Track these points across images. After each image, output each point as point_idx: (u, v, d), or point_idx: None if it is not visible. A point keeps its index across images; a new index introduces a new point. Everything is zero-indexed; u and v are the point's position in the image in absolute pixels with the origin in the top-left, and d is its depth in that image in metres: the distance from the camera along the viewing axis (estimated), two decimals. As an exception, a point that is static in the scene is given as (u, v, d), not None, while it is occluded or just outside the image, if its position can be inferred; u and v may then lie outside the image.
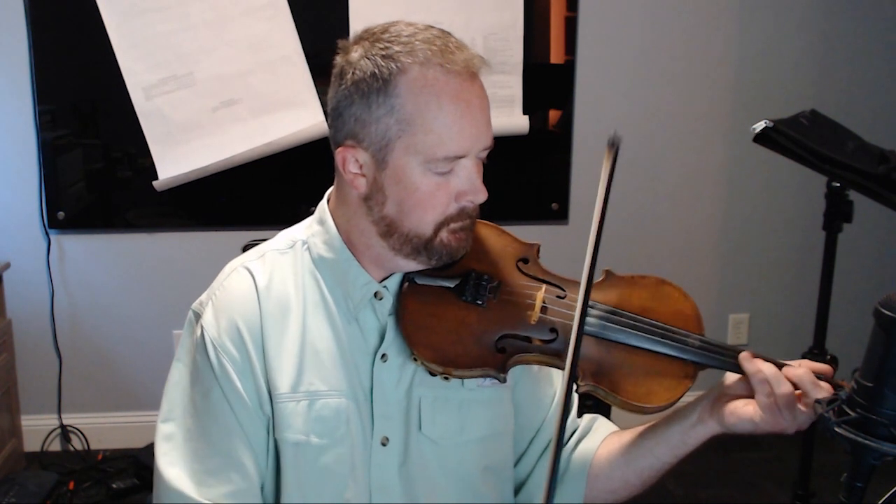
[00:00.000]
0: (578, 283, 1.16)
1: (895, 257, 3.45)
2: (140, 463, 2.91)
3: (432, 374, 1.13)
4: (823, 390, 1.04)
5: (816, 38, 3.25)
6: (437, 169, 1.08)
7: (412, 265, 1.15)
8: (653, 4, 3.14)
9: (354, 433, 1.14)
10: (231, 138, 2.96)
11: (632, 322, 1.14)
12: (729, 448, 3.05)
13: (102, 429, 3.19)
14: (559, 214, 3.23)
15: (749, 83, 3.24)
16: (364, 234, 1.14)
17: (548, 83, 3.13)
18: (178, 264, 3.10)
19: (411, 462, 1.16)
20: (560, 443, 0.91)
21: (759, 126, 1.94)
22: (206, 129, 2.95)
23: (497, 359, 1.12)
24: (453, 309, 1.14)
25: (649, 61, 3.18)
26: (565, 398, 0.96)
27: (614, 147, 1.05)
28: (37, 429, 3.17)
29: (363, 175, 1.11)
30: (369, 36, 1.11)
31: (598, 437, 1.26)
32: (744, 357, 1.09)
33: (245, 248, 1.57)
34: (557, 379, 1.29)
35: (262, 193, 3.06)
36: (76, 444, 3.18)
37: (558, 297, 1.16)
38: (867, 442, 0.82)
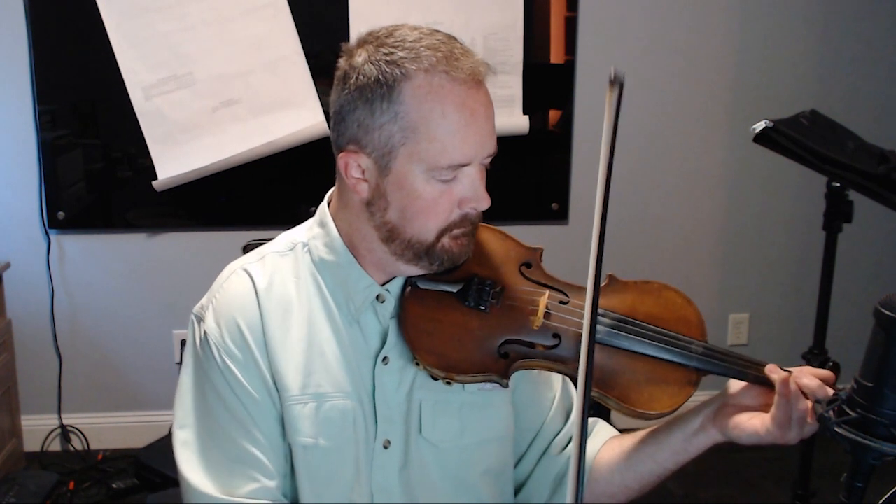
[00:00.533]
0: (581, 288, 1.16)
1: (895, 257, 3.45)
2: (140, 463, 2.90)
3: (434, 378, 1.13)
4: (826, 391, 1.04)
5: (816, 38, 3.25)
6: (440, 177, 1.07)
7: (414, 270, 1.14)
8: (653, 4, 3.15)
9: (359, 435, 1.14)
10: (231, 138, 2.96)
11: (636, 329, 1.14)
12: (729, 448, 3.04)
13: (102, 429, 3.19)
14: (559, 214, 3.23)
15: (749, 83, 3.24)
16: (366, 238, 1.14)
17: (548, 83, 3.13)
18: (178, 264, 3.10)
19: (411, 465, 1.16)
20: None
21: (759, 126, 1.94)
22: (206, 129, 2.95)
23: (500, 364, 1.12)
24: (456, 314, 1.14)
25: (649, 61, 3.18)
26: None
27: (618, 84, 0.98)
28: (37, 429, 3.17)
29: (365, 180, 1.11)
30: (374, 39, 1.10)
31: (599, 441, 1.26)
32: (770, 370, 1.08)
33: (245, 249, 1.58)
34: (557, 382, 1.29)
35: (262, 194, 3.06)
36: (76, 444, 3.18)
37: (561, 302, 1.16)
38: (867, 442, 0.82)
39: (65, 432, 3.18)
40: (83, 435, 3.17)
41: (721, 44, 3.21)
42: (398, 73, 1.05)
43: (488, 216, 1.19)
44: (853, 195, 2.01)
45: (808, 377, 1.05)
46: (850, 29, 3.25)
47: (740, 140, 2.95)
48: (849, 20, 3.24)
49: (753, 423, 1.08)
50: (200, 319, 1.17)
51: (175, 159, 2.95)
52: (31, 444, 3.16)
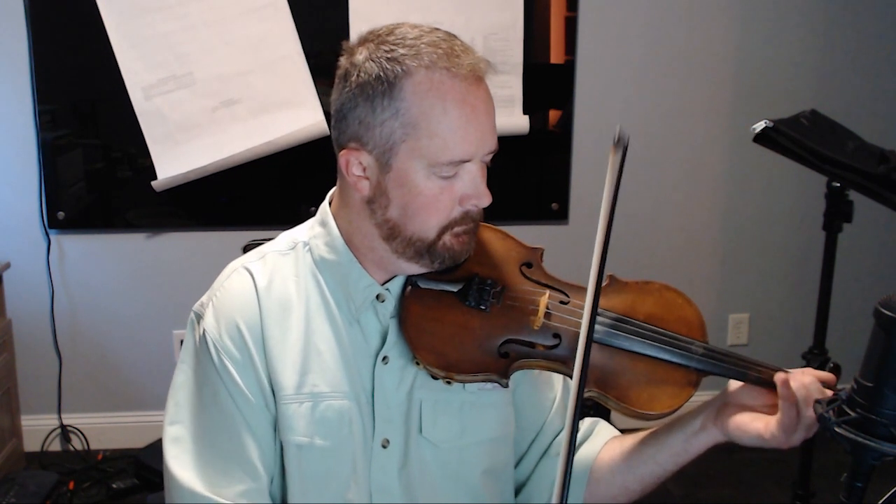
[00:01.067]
0: (582, 288, 1.16)
1: (895, 257, 3.45)
2: (140, 463, 2.91)
3: (434, 378, 1.13)
4: (824, 394, 1.04)
5: (816, 38, 3.25)
6: (441, 173, 1.07)
7: (415, 268, 1.14)
8: (653, 4, 3.14)
9: (356, 435, 1.14)
10: (230, 138, 2.96)
11: (637, 329, 1.14)
12: (729, 448, 3.04)
13: (102, 429, 3.19)
14: (559, 214, 3.23)
15: (749, 83, 3.24)
16: (367, 236, 1.14)
17: (548, 83, 3.13)
18: (178, 264, 3.10)
19: (411, 464, 1.16)
20: (571, 450, 0.89)
21: (759, 126, 1.94)
22: (206, 128, 2.95)
23: (500, 364, 1.12)
24: (456, 313, 1.14)
25: (649, 61, 3.18)
26: (575, 408, 0.94)
27: (622, 146, 1.00)
28: (37, 429, 3.17)
29: (367, 178, 1.11)
30: (374, 38, 1.10)
31: (600, 442, 1.26)
32: (779, 379, 1.07)
33: (245, 249, 1.57)
34: (558, 382, 1.29)
35: (262, 194, 3.06)
36: (76, 444, 3.18)
37: (562, 302, 1.16)
38: (867, 442, 0.82)
39: (65, 432, 3.18)
40: (83, 435, 3.17)
41: (721, 44, 3.21)
42: (399, 69, 1.05)
43: (488, 216, 1.19)
44: (853, 195, 2.01)
45: (808, 376, 1.06)
46: (850, 29, 3.25)
47: (740, 140, 2.95)
48: (849, 20, 3.24)
49: (756, 426, 1.08)
50: (200, 317, 1.17)
51: (175, 159, 2.95)
52: (31, 444, 3.16)
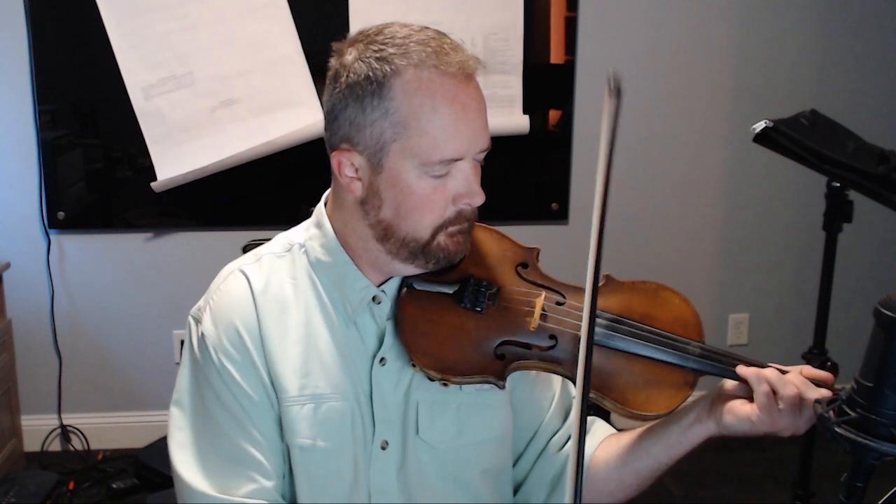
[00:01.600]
0: (578, 289, 1.15)
1: (895, 257, 3.45)
2: (140, 463, 2.90)
3: (431, 379, 1.12)
4: (818, 392, 1.04)
5: (816, 38, 3.25)
6: (433, 172, 1.07)
7: (410, 269, 1.14)
8: (653, 4, 3.15)
9: (357, 436, 1.14)
10: (230, 138, 2.96)
11: (633, 330, 1.14)
12: (729, 448, 3.05)
13: (102, 429, 3.19)
14: (559, 214, 3.23)
15: (749, 83, 3.24)
16: (361, 237, 1.14)
17: (548, 83, 3.13)
18: (178, 264, 3.10)
19: (409, 466, 1.16)
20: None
21: (759, 126, 1.94)
22: (205, 128, 2.95)
23: (496, 365, 1.12)
24: (452, 315, 1.14)
25: (649, 61, 3.18)
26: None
27: (616, 89, 0.89)
28: (37, 429, 3.17)
29: (359, 179, 1.10)
30: (363, 38, 1.10)
31: (596, 440, 1.26)
32: (740, 368, 1.09)
33: (245, 249, 1.57)
34: (556, 382, 1.28)
35: (262, 194, 3.06)
36: (76, 444, 3.18)
37: (558, 303, 1.15)
38: (867, 442, 0.82)
39: (65, 432, 3.18)
40: (83, 435, 3.17)
41: (721, 44, 3.21)
42: (388, 69, 1.05)
43: (487, 216, 1.19)
44: (853, 195, 2.01)
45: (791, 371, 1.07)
46: (850, 29, 3.25)
47: (740, 140, 2.95)
48: (849, 20, 3.24)
49: (745, 409, 1.08)
50: (198, 321, 1.17)
51: (175, 159, 2.95)
52: (31, 444, 3.16)
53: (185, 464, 1.12)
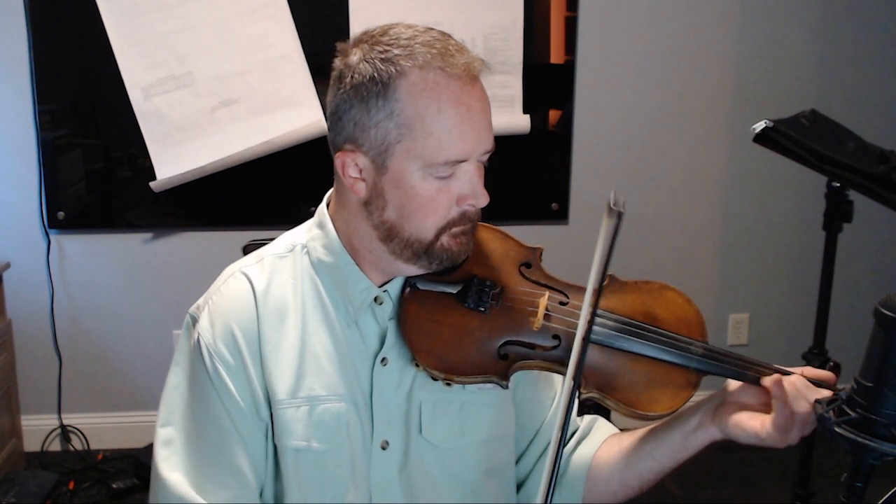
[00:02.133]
0: (581, 289, 1.15)
1: (895, 257, 3.45)
2: (140, 463, 2.91)
3: (434, 379, 1.12)
4: (819, 393, 1.04)
5: (816, 38, 3.25)
6: (437, 173, 1.07)
7: (413, 269, 1.14)
8: (653, 4, 3.14)
9: (354, 437, 1.13)
10: (230, 138, 2.96)
11: (636, 330, 1.14)
12: (729, 448, 3.04)
13: (102, 429, 3.19)
14: (559, 214, 3.23)
15: (749, 83, 3.24)
16: (364, 238, 1.13)
17: (548, 83, 3.13)
18: (178, 264, 3.10)
19: (411, 465, 1.16)
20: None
21: (759, 126, 1.94)
22: (205, 128, 2.95)
23: (499, 365, 1.12)
24: (455, 315, 1.14)
25: (649, 61, 3.18)
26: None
27: (616, 213, 0.95)
28: (37, 429, 3.17)
29: (363, 179, 1.10)
30: (368, 38, 1.09)
31: (598, 439, 1.26)
32: (771, 380, 1.07)
33: (245, 249, 1.57)
34: (558, 381, 1.28)
35: (262, 194, 3.06)
36: (76, 444, 3.18)
37: (561, 303, 1.15)
38: (867, 442, 0.82)
39: (65, 432, 3.18)
40: (83, 435, 3.17)
41: (721, 44, 3.21)
42: (393, 70, 1.05)
43: (488, 216, 1.19)
44: (853, 195, 2.00)
45: (798, 377, 1.06)
46: (850, 29, 3.25)
47: (740, 140, 2.95)
48: (849, 20, 3.24)
49: (753, 424, 1.08)
50: (196, 320, 1.17)
51: (174, 159, 2.95)
52: (31, 444, 3.16)
53: (168, 461, 1.13)
